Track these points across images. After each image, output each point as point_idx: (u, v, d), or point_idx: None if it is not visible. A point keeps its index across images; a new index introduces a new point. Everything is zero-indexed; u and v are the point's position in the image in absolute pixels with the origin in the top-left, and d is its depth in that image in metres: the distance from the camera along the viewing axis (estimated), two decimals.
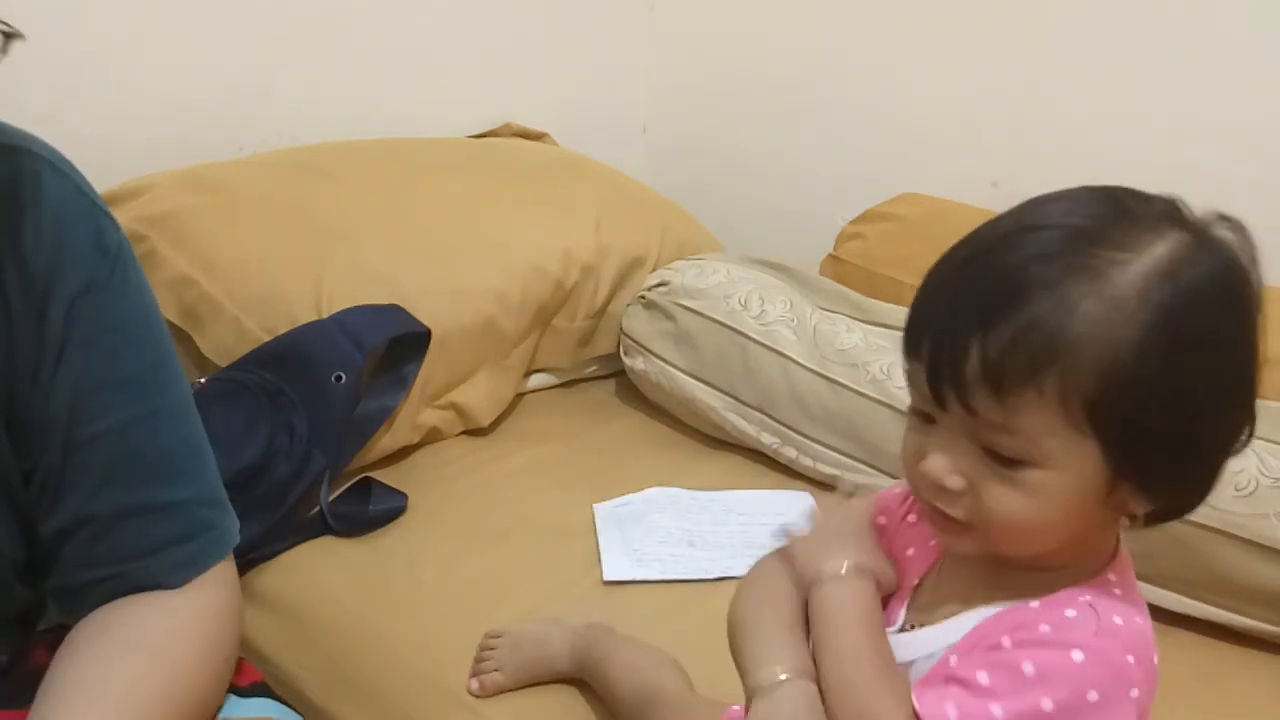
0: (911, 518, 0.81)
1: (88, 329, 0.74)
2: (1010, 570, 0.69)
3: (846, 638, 0.71)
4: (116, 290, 0.76)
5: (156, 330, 0.80)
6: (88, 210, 0.76)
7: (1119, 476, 0.64)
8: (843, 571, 0.74)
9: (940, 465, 0.66)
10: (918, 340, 0.66)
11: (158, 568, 0.77)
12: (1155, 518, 0.68)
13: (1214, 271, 0.63)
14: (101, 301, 0.75)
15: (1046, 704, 0.62)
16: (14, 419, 0.74)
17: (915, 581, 0.77)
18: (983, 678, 0.64)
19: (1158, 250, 0.62)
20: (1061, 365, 0.61)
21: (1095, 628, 0.64)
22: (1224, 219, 0.65)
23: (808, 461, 1.44)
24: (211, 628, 0.79)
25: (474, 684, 1.06)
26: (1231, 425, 0.65)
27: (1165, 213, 0.64)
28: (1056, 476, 0.63)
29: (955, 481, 0.65)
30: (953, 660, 0.68)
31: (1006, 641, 0.65)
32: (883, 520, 0.82)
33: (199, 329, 1.43)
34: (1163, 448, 0.63)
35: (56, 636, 0.81)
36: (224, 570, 0.81)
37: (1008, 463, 0.64)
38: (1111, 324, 0.61)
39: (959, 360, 0.62)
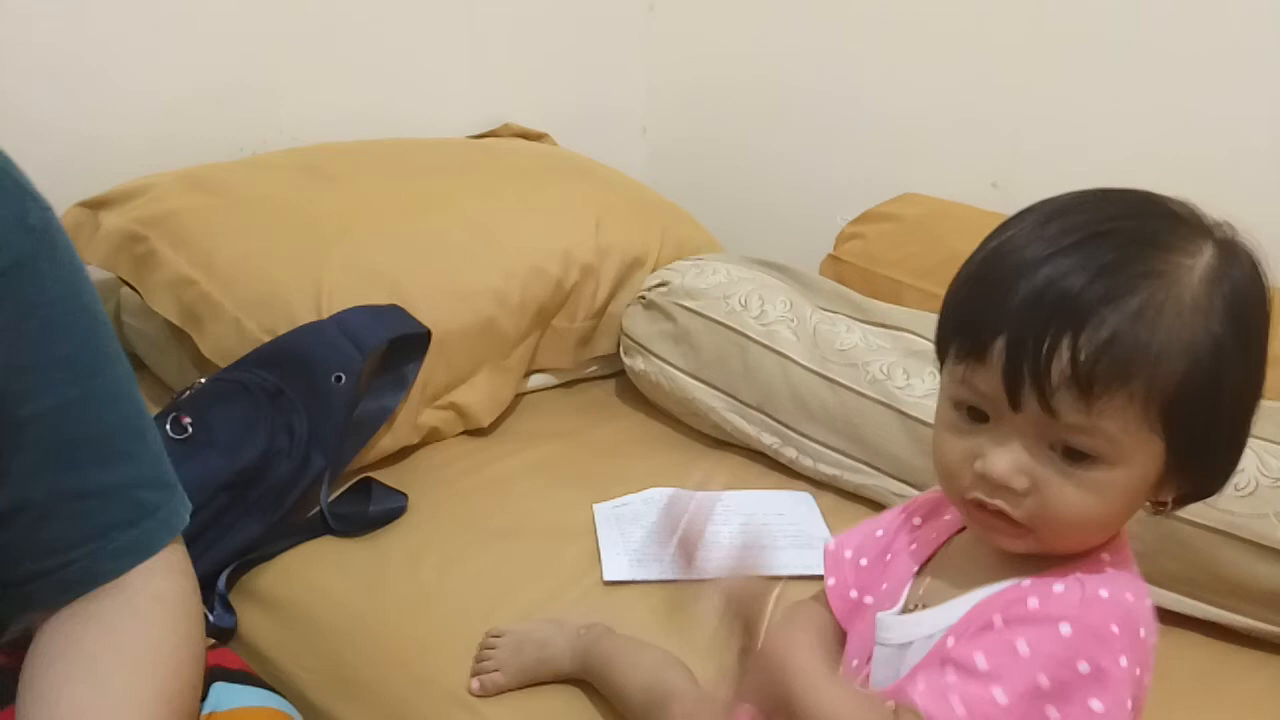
0: (917, 520, 0.81)
1: (14, 309, 0.73)
2: (1010, 553, 0.70)
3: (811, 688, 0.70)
4: (44, 270, 0.74)
5: (89, 310, 0.78)
6: (12, 192, 0.74)
7: (1173, 467, 0.66)
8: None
9: (1006, 465, 0.66)
10: (984, 341, 0.66)
11: (102, 555, 0.75)
12: (1180, 502, 0.70)
13: (1252, 264, 0.67)
14: (28, 281, 0.73)
15: (1043, 680, 0.64)
16: None
17: (916, 568, 0.78)
18: (980, 661, 0.65)
19: (1208, 252, 0.66)
20: (1151, 370, 0.63)
21: (1079, 598, 0.66)
22: (1216, 220, 0.68)
23: (808, 461, 1.44)
24: (181, 620, 0.78)
25: (474, 684, 1.06)
26: (1259, 395, 0.69)
27: (1194, 213, 0.68)
28: (1122, 473, 0.65)
29: (1021, 481, 0.66)
30: (950, 641, 0.69)
31: (998, 620, 0.67)
32: (881, 533, 0.83)
33: (199, 329, 1.43)
34: (1220, 435, 0.67)
35: (16, 643, 0.80)
36: (175, 554, 0.79)
37: (1076, 461, 0.65)
38: (1193, 326, 0.64)
39: (1046, 362, 0.63)
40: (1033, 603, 0.66)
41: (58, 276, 0.76)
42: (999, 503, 0.67)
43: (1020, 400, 0.64)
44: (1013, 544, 0.69)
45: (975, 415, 0.68)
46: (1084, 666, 0.63)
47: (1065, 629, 0.64)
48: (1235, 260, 0.66)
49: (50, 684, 0.72)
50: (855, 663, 0.78)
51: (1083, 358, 0.62)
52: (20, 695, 0.73)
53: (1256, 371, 0.68)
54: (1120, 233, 0.65)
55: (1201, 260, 0.65)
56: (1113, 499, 0.66)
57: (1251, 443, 0.69)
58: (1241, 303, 0.65)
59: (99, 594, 0.76)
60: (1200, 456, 0.67)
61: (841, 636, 0.82)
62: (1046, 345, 0.63)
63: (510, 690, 1.06)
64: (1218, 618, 1.18)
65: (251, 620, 1.20)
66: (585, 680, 1.06)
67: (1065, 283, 0.64)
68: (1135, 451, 0.65)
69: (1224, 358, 0.64)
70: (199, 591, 0.83)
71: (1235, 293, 0.65)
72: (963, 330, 0.68)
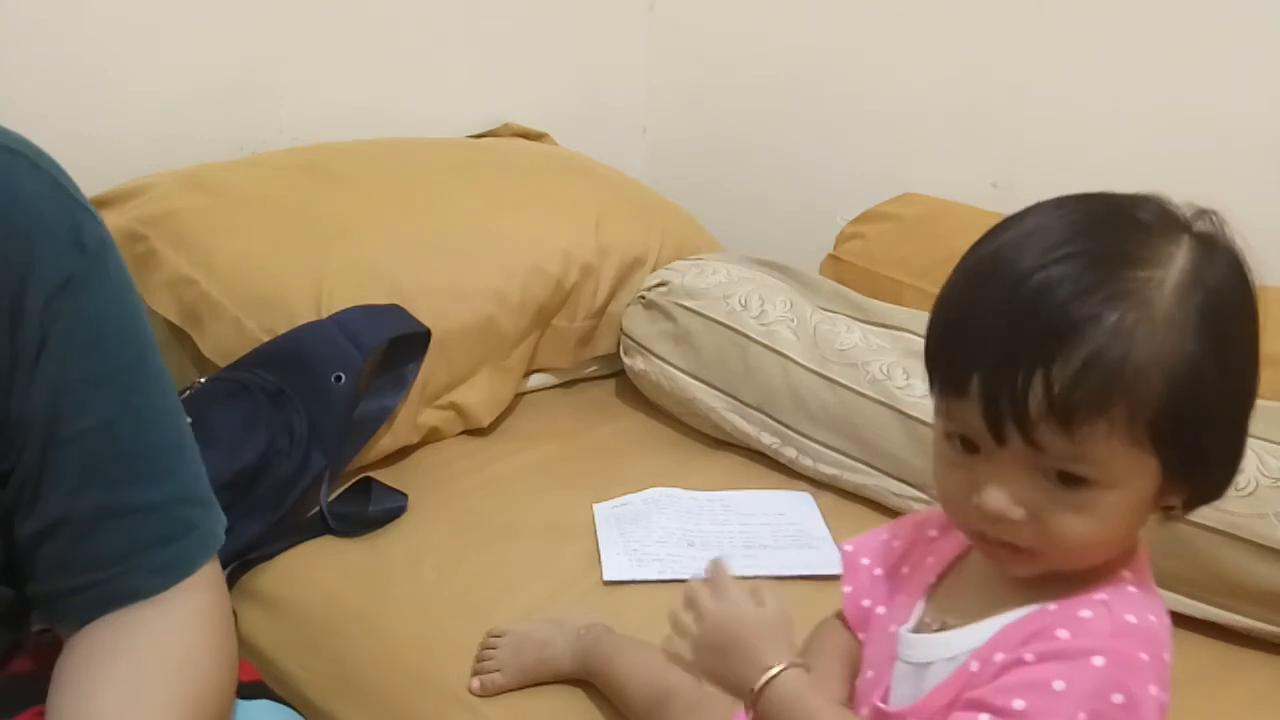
0: (933, 532, 0.81)
1: (66, 326, 0.73)
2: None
3: None
4: (96, 287, 0.74)
5: (138, 327, 0.78)
6: (66, 206, 0.74)
7: (1171, 479, 0.66)
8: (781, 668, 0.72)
9: (1002, 499, 0.66)
10: (961, 378, 0.65)
11: (140, 572, 0.75)
12: (1189, 506, 0.69)
13: (1229, 264, 0.65)
14: (81, 298, 0.73)
15: (1081, 716, 0.63)
16: None
17: (933, 580, 0.77)
18: (1019, 704, 0.64)
19: (1179, 259, 0.64)
20: (1129, 393, 0.62)
21: (1110, 628, 0.65)
22: (1201, 211, 0.67)
23: (808, 461, 1.44)
24: (216, 633, 0.78)
25: (475, 684, 1.06)
26: (1252, 397, 0.68)
27: (1165, 215, 0.66)
28: (1119, 494, 0.65)
29: (1018, 513, 0.66)
30: (974, 666, 0.68)
31: (1029, 655, 0.66)
32: (898, 543, 0.83)
33: (199, 329, 1.43)
34: (1214, 443, 0.66)
35: (41, 646, 0.80)
36: (212, 571, 0.80)
37: (1071, 486, 0.64)
38: (1166, 343, 0.62)
39: (1021, 398, 0.62)
40: (1062, 634, 0.66)
41: (108, 293, 0.76)
42: (1000, 534, 0.67)
43: (1004, 436, 0.64)
44: (1022, 569, 0.69)
45: (968, 445, 0.67)
46: (1118, 698, 0.63)
47: (1099, 661, 0.64)
48: (1210, 264, 0.64)
49: (86, 686, 0.72)
50: (870, 674, 0.77)
51: (1058, 390, 0.61)
52: (53, 697, 0.72)
53: (1247, 374, 0.66)
54: (1084, 255, 0.63)
55: (1172, 270, 0.63)
56: (1114, 519, 0.65)
57: (1251, 443, 0.69)
58: (1218, 309, 0.64)
59: (135, 607, 0.75)
60: (1198, 466, 0.66)
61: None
62: (1020, 380, 0.62)
63: (510, 690, 1.06)
64: (1218, 618, 1.18)
65: (252, 620, 1.20)
66: (585, 680, 1.07)
67: (1033, 315, 0.63)
68: (1129, 471, 0.64)
69: (1205, 368, 0.63)
70: (231, 607, 0.83)
71: (1211, 299, 0.63)
72: (939, 366, 0.68)
